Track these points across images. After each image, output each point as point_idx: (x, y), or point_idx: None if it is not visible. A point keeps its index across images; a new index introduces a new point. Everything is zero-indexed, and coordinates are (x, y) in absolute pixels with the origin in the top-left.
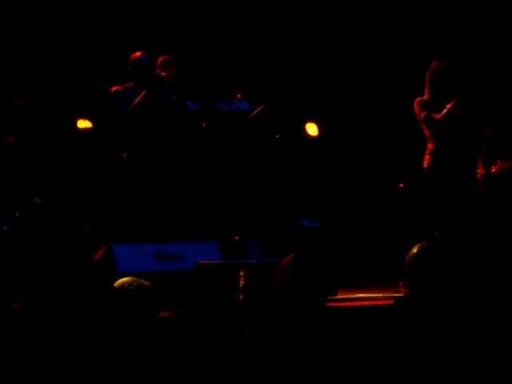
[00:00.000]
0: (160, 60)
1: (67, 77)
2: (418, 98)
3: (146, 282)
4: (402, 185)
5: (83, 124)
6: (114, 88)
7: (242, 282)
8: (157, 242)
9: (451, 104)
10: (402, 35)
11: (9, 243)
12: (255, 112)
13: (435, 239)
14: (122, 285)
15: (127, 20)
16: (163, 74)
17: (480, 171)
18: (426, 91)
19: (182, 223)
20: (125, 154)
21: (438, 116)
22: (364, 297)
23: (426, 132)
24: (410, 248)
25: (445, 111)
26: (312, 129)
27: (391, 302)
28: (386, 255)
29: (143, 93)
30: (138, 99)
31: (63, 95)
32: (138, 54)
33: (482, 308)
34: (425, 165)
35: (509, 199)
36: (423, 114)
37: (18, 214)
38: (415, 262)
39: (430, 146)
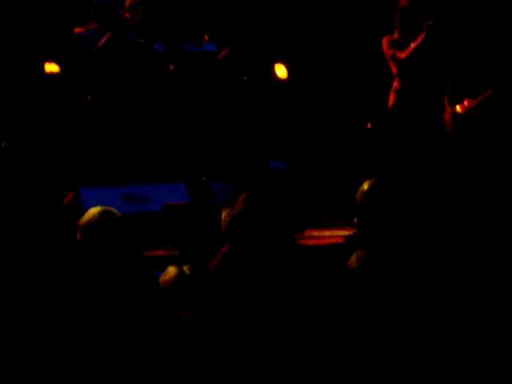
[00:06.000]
0: (128, 1)
1: (33, 19)
2: (387, 36)
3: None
4: (370, 124)
5: (50, 68)
6: (77, 29)
7: None
8: (124, 184)
9: (416, 43)
10: None
11: None
12: (223, 54)
13: (386, 175)
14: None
15: None
16: (127, 14)
17: (447, 110)
18: (396, 29)
19: (149, 165)
20: (90, 97)
21: (402, 54)
22: (331, 235)
23: (393, 70)
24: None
25: (409, 50)
26: (281, 70)
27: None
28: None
29: (108, 34)
30: (102, 41)
31: (29, 38)
32: None
33: (434, 249)
34: (390, 103)
35: (474, 138)
36: (389, 52)
37: None
38: (365, 198)
39: (395, 84)
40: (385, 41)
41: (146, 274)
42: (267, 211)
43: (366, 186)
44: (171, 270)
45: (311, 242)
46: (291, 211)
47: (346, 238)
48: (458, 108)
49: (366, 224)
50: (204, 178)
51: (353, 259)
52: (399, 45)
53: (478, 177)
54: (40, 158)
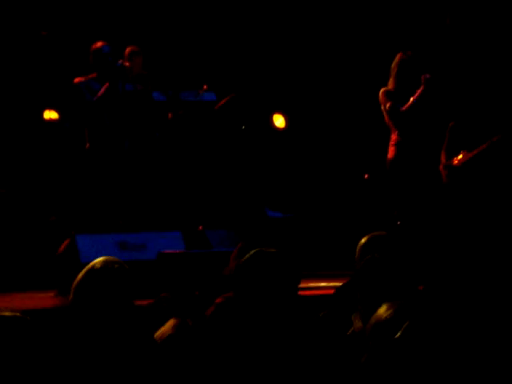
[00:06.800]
0: (127, 51)
1: (33, 67)
2: (383, 88)
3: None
4: (367, 176)
5: (49, 115)
6: (76, 79)
7: None
8: (120, 231)
9: (416, 95)
10: (365, 27)
11: None
12: (221, 103)
13: (384, 230)
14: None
15: (94, 10)
16: (127, 64)
17: (443, 162)
18: (391, 81)
19: (146, 213)
20: (88, 145)
21: (403, 107)
22: (327, 286)
23: (389, 122)
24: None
25: (410, 102)
26: (279, 120)
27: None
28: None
29: (107, 84)
30: (102, 90)
31: (29, 85)
32: (98, 44)
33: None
34: (389, 156)
35: (471, 190)
36: (388, 104)
37: None
38: (362, 252)
39: (394, 136)
40: (382, 92)
41: (138, 326)
42: (274, 261)
43: (363, 241)
44: (169, 321)
45: (307, 293)
46: (297, 262)
47: (337, 289)
48: (454, 160)
49: (362, 276)
50: (201, 227)
51: (383, 310)
52: (396, 96)
53: (474, 229)
54: (37, 204)
